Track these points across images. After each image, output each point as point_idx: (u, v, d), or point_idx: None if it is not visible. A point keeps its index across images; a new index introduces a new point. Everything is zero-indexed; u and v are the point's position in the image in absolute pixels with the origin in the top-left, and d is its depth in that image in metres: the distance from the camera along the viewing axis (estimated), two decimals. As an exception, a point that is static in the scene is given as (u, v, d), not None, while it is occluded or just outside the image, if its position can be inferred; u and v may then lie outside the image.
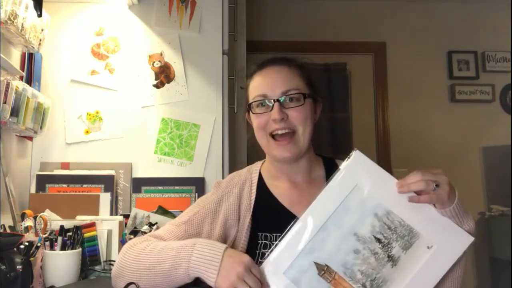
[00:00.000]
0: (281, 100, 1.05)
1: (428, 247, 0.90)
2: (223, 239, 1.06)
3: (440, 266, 0.90)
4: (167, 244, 0.96)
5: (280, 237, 0.93)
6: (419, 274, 0.90)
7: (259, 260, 1.01)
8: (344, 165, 0.94)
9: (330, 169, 1.13)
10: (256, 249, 1.04)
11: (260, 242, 1.04)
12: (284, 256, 0.91)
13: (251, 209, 1.08)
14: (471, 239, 0.91)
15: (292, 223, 0.94)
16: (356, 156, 0.94)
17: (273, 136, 1.06)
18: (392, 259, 0.90)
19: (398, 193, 0.91)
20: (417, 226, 0.91)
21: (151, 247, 0.96)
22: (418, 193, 0.90)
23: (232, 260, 0.87)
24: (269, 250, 0.94)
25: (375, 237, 0.91)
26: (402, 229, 0.91)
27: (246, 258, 0.88)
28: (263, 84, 1.08)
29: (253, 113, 1.09)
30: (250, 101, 1.09)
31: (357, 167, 0.94)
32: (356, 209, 0.92)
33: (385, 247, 0.91)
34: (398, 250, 0.91)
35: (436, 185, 0.88)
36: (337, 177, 0.94)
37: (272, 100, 1.05)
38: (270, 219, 1.07)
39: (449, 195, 0.89)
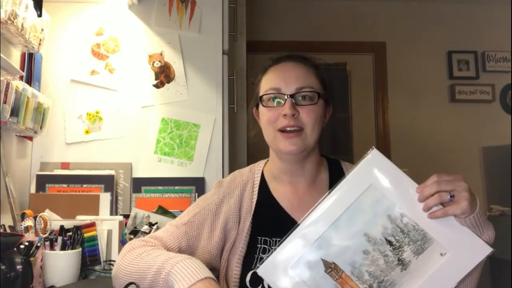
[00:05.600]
0: (294, 97, 1.03)
1: (441, 254, 0.88)
2: (223, 242, 1.05)
3: (453, 275, 0.87)
4: (163, 252, 0.93)
5: (290, 231, 0.91)
6: (429, 281, 0.87)
7: (258, 265, 1.00)
8: (360, 164, 0.92)
9: (335, 172, 1.12)
10: (255, 253, 1.03)
11: (259, 246, 1.03)
12: (292, 251, 0.90)
13: (252, 212, 1.07)
14: (489, 250, 0.88)
15: (302, 218, 0.92)
16: (373, 155, 0.92)
17: (280, 131, 1.04)
18: (402, 263, 0.88)
19: (414, 197, 0.88)
20: (431, 232, 0.88)
21: (147, 253, 0.94)
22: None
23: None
24: (277, 244, 0.93)
25: (386, 239, 0.89)
26: (416, 233, 0.88)
27: None
28: (277, 78, 1.06)
29: (264, 106, 1.07)
30: (262, 94, 1.08)
31: (373, 166, 0.91)
32: (369, 209, 0.90)
33: (396, 250, 0.89)
34: (409, 254, 0.88)
35: (451, 196, 0.85)
36: (352, 175, 0.91)
37: (285, 95, 1.03)
38: (270, 223, 1.06)
39: (471, 203, 0.85)
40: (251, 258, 1.02)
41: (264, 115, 1.07)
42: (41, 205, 1.49)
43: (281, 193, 1.10)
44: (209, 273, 0.83)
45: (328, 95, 1.10)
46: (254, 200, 1.08)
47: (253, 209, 1.07)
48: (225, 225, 1.05)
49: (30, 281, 1.04)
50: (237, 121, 2.08)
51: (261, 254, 1.02)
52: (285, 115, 1.02)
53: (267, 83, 1.08)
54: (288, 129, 1.03)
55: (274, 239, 1.02)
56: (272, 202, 1.09)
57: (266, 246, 1.03)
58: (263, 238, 1.04)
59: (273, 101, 1.06)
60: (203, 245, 1.04)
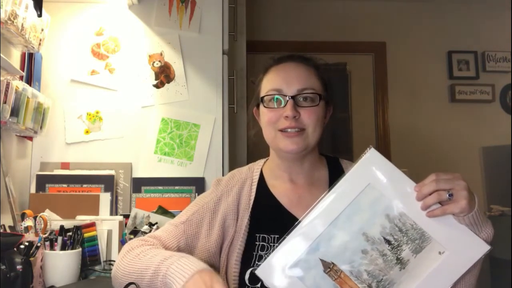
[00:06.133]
0: (296, 98, 1.04)
1: (439, 253, 0.88)
2: (221, 239, 1.05)
3: (451, 273, 0.88)
4: (160, 252, 0.93)
5: (288, 232, 0.91)
6: (427, 280, 0.87)
7: (256, 262, 1.00)
8: (358, 163, 0.92)
9: (334, 170, 1.12)
10: (253, 250, 1.02)
11: (257, 243, 1.03)
12: (291, 251, 0.90)
13: (250, 209, 1.07)
14: (487, 248, 0.88)
15: (300, 218, 0.92)
16: (370, 154, 0.92)
17: (281, 131, 1.04)
18: (401, 262, 0.88)
19: (412, 196, 0.88)
20: (429, 231, 0.88)
21: (145, 253, 0.94)
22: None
23: (202, 280, 0.79)
24: (276, 244, 0.93)
25: (384, 238, 0.89)
26: (414, 232, 0.88)
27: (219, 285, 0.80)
28: (279, 79, 1.06)
29: (265, 107, 1.07)
30: (263, 94, 1.08)
31: (371, 166, 0.91)
32: (367, 208, 0.90)
33: (394, 249, 0.89)
34: (407, 253, 0.88)
35: (450, 194, 0.85)
36: (350, 175, 0.91)
37: (287, 96, 1.03)
38: (269, 220, 1.06)
39: (469, 201, 0.85)
40: (250, 255, 1.02)
41: (265, 115, 1.07)
42: (41, 205, 1.49)
43: (280, 190, 1.10)
44: (202, 265, 0.83)
45: (328, 96, 1.10)
46: (252, 197, 1.08)
47: (251, 206, 1.07)
48: (223, 222, 1.05)
49: (30, 281, 1.04)
50: (237, 121, 2.08)
51: (259, 252, 1.02)
52: (286, 116, 1.03)
53: (268, 83, 1.08)
54: (289, 130, 1.03)
55: (273, 236, 1.02)
56: (271, 199, 1.09)
57: (264, 243, 1.03)
58: (261, 235, 1.04)
59: (274, 101, 1.06)
60: (201, 243, 1.04)
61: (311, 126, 1.04)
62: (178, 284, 0.80)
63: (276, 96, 1.05)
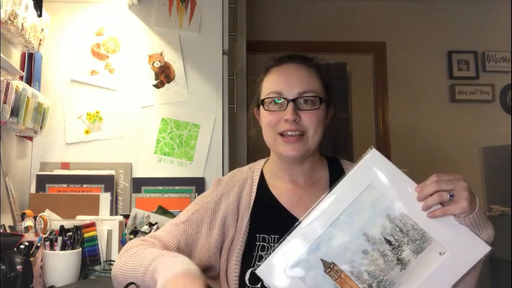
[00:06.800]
0: (296, 101, 1.03)
1: (440, 253, 0.88)
2: (221, 239, 1.05)
3: (452, 274, 0.88)
4: (155, 251, 0.93)
5: (288, 232, 0.91)
6: (428, 280, 0.87)
7: (257, 263, 1.00)
8: (359, 163, 0.92)
9: (335, 170, 1.12)
10: (254, 251, 1.02)
11: (257, 243, 1.03)
12: (291, 251, 0.90)
13: (250, 209, 1.06)
14: (487, 248, 0.88)
15: (301, 219, 0.92)
16: (372, 154, 0.92)
17: (281, 135, 1.04)
18: (402, 262, 0.88)
19: (413, 196, 0.88)
20: (430, 231, 0.88)
21: (140, 252, 0.94)
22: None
23: (183, 282, 0.77)
24: (276, 244, 0.93)
25: (385, 238, 0.89)
26: (415, 232, 0.88)
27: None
28: (279, 81, 1.06)
29: (265, 109, 1.06)
30: (264, 96, 1.07)
31: (372, 166, 0.91)
32: (368, 209, 0.90)
33: (395, 250, 0.89)
34: (408, 253, 0.88)
35: (451, 195, 0.85)
36: (351, 175, 0.91)
37: (287, 99, 1.03)
38: (269, 220, 1.05)
39: (470, 202, 0.85)
40: (250, 255, 1.02)
41: (265, 117, 1.07)
42: (41, 205, 1.49)
43: (281, 190, 1.10)
44: (190, 268, 0.81)
45: (329, 97, 1.09)
46: (253, 198, 1.08)
47: (251, 207, 1.07)
48: (223, 222, 1.05)
49: (30, 281, 1.04)
50: (237, 121, 2.08)
51: (259, 252, 1.02)
52: (286, 120, 1.02)
53: (269, 85, 1.08)
54: (290, 133, 1.03)
55: (273, 236, 1.02)
56: (271, 200, 1.08)
57: (265, 244, 1.02)
58: (261, 235, 1.03)
59: (274, 104, 1.05)
60: (201, 243, 1.04)
61: (312, 129, 1.03)
62: (161, 280, 0.79)
63: (276, 99, 1.05)
